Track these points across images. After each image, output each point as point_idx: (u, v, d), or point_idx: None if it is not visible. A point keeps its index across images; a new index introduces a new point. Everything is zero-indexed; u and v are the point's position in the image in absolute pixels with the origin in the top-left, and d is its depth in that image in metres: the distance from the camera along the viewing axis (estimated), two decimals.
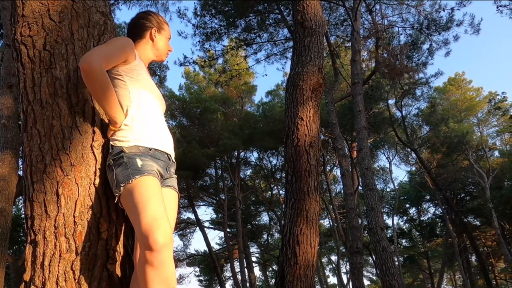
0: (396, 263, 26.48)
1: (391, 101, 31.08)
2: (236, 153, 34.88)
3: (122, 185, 2.59)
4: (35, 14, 2.92)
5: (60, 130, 2.74)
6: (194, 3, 35.67)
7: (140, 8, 20.64)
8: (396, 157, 41.78)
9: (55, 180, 2.65)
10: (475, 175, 37.67)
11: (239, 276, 33.99)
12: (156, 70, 24.48)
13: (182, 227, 40.69)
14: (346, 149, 24.72)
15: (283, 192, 25.77)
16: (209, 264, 40.63)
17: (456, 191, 41.08)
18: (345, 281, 41.61)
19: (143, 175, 2.59)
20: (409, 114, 36.20)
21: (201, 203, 39.89)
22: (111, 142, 2.82)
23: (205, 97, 32.78)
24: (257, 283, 42.61)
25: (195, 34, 22.89)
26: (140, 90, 2.92)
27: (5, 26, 10.20)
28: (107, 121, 2.89)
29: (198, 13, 22.73)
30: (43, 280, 2.52)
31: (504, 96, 27.04)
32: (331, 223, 37.65)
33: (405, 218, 47.86)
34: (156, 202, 2.49)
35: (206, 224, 39.26)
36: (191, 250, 49.96)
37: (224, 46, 24.08)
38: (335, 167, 37.22)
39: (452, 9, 21.70)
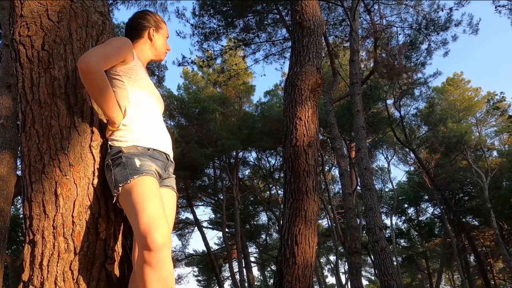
0: (395, 263, 26.49)
1: (389, 101, 31.19)
2: (234, 153, 34.87)
3: (120, 185, 2.59)
4: (33, 14, 2.91)
5: (59, 130, 2.74)
6: (193, 3, 35.71)
7: (138, 8, 20.64)
8: (394, 157, 41.81)
9: (54, 180, 2.66)
10: (474, 175, 37.65)
11: (237, 276, 33.95)
12: (155, 70, 24.50)
13: (181, 227, 40.68)
14: (344, 149, 24.75)
15: (282, 192, 25.77)
16: (207, 264, 40.61)
17: (454, 191, 41.05)
18: (343, 281, 41.62)
19: (142, 175, 2.59)
20: (408, 114, 36.26)
21: (200, 203, 39.91)
22: (109, 142, 2.82)
23: (203, 97, 32.78)
24: (255, 283, 42.67)
25: (193, 34, 22.91)
26: (139, 90, 2.92)
27: (4, 26, 10.19)
28: (105, 121, 2.90)
29: (197, 13, 22.74)
30: (42, 280, 2.52)
31: (502, 96, 27.07)
32: (329, 223, 37.64)
33: (403, 218, 47.85)
34: (155, 202, 2.49)
35: (205, 224, 39.27)
36: (190, 250, 50.17)
37: (222, 46, 24.13)
38: (334, 167, 37.21)
39: (450, 9, 21.73)
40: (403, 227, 48.60)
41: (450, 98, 41.65)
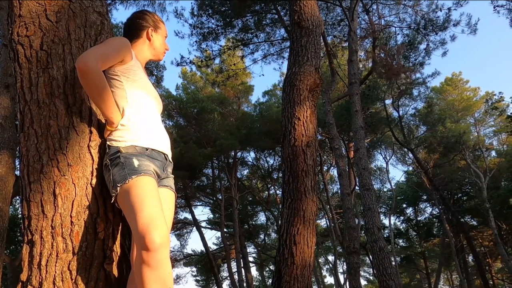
0: (393, 263, 26.52)
1: (388, 101, 31.20)
2: (233, 153, 34.89)
3: (119, 185, 2.59)
4: (32, 14, 2.91)
5: (57, 130, 2.74)
6: (191, 3, 35.61)
7: (137, 8, 20.65)
8: (393, 157, 41.88)
9: (52, 180, 2.65)
10: (472, 175, 37.68)
11: (236, 276, 33.97)
12: (153, 70, 24.50)
13: (179, 227, 40.69)
14: (343, 149, 24.73)
15: (280, 192, 25.78)
16: (206, 264, 40.68)
17: (453, 191, 41.10)
18: (342, 281, 41.63)
19: (140, 175, 2.59)
20: (406, 114, 36.35)
21: (198, 203, 39.92)
22: (108, 142, 2.82)
23: (202, 97, 32.80)
24: (254, 283, 42.63)
25: (192, 34, 22.92)
26: (137, 90, 2.92)
27: (2, 26, 10.18)
28: (104, 121, 2.89)
29: (195, 13, 22.75)
30: (40, 280, 2.52)
31: (501, 96, 27.14)
32: (328, 223, 37.67)
33: (402, 218, 47.91)
34: (153, 202, 2.49)
35: (203, 224, 39.30)
36: (188, 250, 50.23)
37: (221, 46, 24.14)
38: (332, 167, 37.27)
39: (449, 9, 21.77)
40: (401, 227, 48.67)
41: (448, 98, 41.70)
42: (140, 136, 2.80)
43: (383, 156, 41.43)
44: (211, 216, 41.98)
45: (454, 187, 40.05)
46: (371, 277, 54.43)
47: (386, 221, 43.26)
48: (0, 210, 8.91)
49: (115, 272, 2.70)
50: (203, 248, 35.42)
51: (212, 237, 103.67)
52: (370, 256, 21.34)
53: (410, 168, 43.32)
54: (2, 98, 9.74)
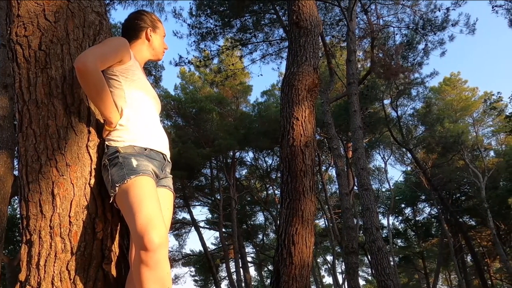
0: (392, 263, 26.51)
1: (386, 101, 31.21)
2: (231, 153, 34.89)
3: (117, 185, 2.59)
4: (30, 14, 2.91)
5: (56, 130, 2.74)
6: (190, 3, 35.73)
7: (135, 8, 20.64)
8: (391, 157, 41.84)
9: (51, 180, 2.65)
10: (471, 175, 37.68)
11: (234, 276, 34.00)
12: (152, 70, 24.49)
13: (178, 227, 40.70)
14: (341, 149, 24.72)
15: (279, 192, 25.77)
16: (204, 264, 40.69)
17: (451, 191, 41.11)
18: (340, 281, 41.59)
19: (138, 175, 2.59)
20: (405, 114, 36.33)
21: (197, 203, 39.95)
22: (106, 142, 2.82)
23: (200, 97, 32.83)
24: (252, 283, 42.62)
25: (190, 34, 22.94)
26: (135, 90, 2.92)
27: (1, 26, 10.16)
28: (102, 121, 2.89)
29: (194, 13, 22.75)
30: (39, 280, 2.52)
31: (499, 96, 27.24)
32: (326, 223, 37.63)
33: (400, 218, 47.90)
34: (151, 202, 2.49)
35: (202, 224, 39.28)
36: (187, 250, 50.08)
37: (219, 46, 24.16)
38: (331, 167, 37.29)
39: (447, 9, 21.79)
40: (400, 227, 48.65)
41: (447, 98, 41.68)
42: (139, 136, 2.80)
43: (382, 156, 41.46)
44: (210, 216, 41.99)
45: (452, 187, 40.06)
46: (370, 277, 54.41)
47: (384, 221, 43.24)
48: None
49: (113, 272, 2.71)
50: (201, 248, 35.52)
51: (211, 237, 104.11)
52: (369, 256, 21.39)
53: (409, 168, 43.32)
54: (0, 98, 9.73)
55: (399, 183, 46.59)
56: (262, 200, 40.04)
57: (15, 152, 9.73)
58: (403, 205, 46.80)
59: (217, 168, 36.34)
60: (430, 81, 31.53)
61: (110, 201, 2.68)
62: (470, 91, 42.03)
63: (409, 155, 37.09)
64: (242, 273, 33.27)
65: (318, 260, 49.34)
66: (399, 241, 48.81)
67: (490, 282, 41.47)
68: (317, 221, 43.05)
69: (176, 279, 44.87)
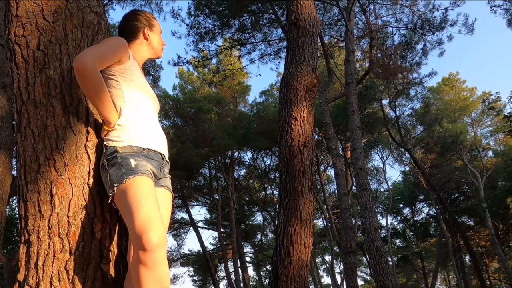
0: (390, 263, 26.53)
1: (385, 101, 31.19)
2: (230, 153, 34.89)
3: (115, 185, 2.59)
4: (29, 14, 2.91)
5: (54, 130, 2.74)
6: (188, 3, 35.73)
7: (134, 8, 20.63)
8: (390, 157, 41.80)
9: (49, 180, 2.66)
10: (469, 175, 37.72)
11: (233, 276, 34.05)
12: (150, 70, 24.50)
13: (176, 227, 40.72)
14: (340, 149, 24.74)
15: (277, 192, 25.77)
16: (203, 264, 40.61)
17: (450, 191, 41.11)
18: (339, 281, 41.64)
19: (137, 175, 2.59)
20: (403, 114, 36.27)
21: (195, 203, 40.00)
22: (105, 142, 2.82)
23: (199, 97, 32.80)
24: (251, 283, 42.62)
25: (189, 34, 22.92)
26: (134, 90, 2.92)
27: None
28: (101, 121, 2.89)
29: (192, 13, 22.76)
30: (37, 280, 2.52)
31: (498, 96, 27.24)
32: (325, 223, 37.59)
33: (399, 218, 47.88)
34: (150, 202, 2.49)
35: (200, 224, 39.36)
36: (185, 250, 50.03)
37: (218, 46, 24.14)
38: (329, 167, 37.26)
39: (446, 9, 21.81)
40: (398, 227, 48.65)
41: (445, 98, 41.73)
42: (137, 136, 2.81)
43: (380, 156, 41.41)
44: (208, 216, 42.09)
45: (451, 187, 40.06)
46: (368, 277, 54.40)
47: (383, 221, 43.17)
48: None
49: (112, 272, 2.71)
50: (200, 248, 35.47)
51: (209, 237, 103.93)
52: (367, 256, 21.35)
53: (407, 168, 43.33)
54: None
55: (398, 183, 46.59)
56: (261, 200, 40.05)
57: (14, 152, 9.73)
58: (401, 205, 46.79)
59: (215, 168, 36.34)
60: (429, 81, 31.51)
61: (109, 201, 2.69)
62: (469, 91, 42.07)
63: (407, 155, 37.09)
64: (240, 273, 33.30)
65: (317, 260, 49.30)
66: (397, 241, 48.83)
67: (488, 282, 41.44)
68: (315, 221, 43.06)
69: (174, 279, 44.95)
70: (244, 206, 42.78)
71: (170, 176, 3.09)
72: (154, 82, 25.65)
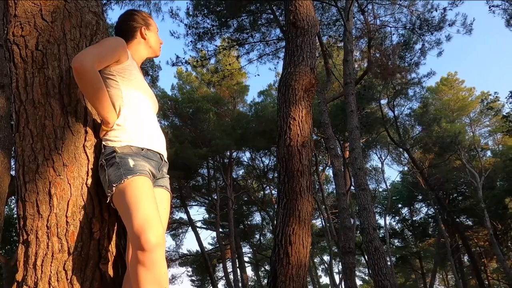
0: (389, 263, 26.52)
1: (383, 101, 31.26)
2: (228, 153, 34.90)
3: (114, 185, 2.59)
4: (27, 14, 2.91)
5: (53, 130, 2.74)
6: (187, 3, 35.65)
7: (132, 8, 20.62)
8: (388, 157, 41.78)
9: (48, 180, 2.66)
10: (468, 175, 37.70)
11: (231, 276, 33.99)
12: (149, 70, 24.46)
13: (175, 227, 40.66)
14: (338, 149, 24.76)
15: (276, 192, 25.76)
16: (201, 264, 40.63)
17: (448, 191, 41.12)
18: (337, 281, 41.61)
19: (135, 175, 2.59)
20: (402, 114, 36.27)
21: (194, 203, 39.94)
22: (103, 142, 2.82)
23: (197, 97, 32.81)
24: (249, 283, 42.64)
25: (187, 34, 22.92)
26: (133, 90, 2.92)
27: None
28: (99, 121, 2.90)
29: (191, 13, 22.76)
30: (36, 280, 2.52)
31: (496, 96, 27.26)
32: (323, 223, 37.56)
33: (397, 218, 47.85)
34: (148, 202, 2.49)
35: (199, 224, 39.27)
36: (184, 250, 49.94)
37: (216, 46, 24.14)
38: (328, 167, 37.22)
39: (444, 9, 21.77)
40: (397, 227, 48.63)
41: (444, 98, 41.73)
42: (136, 136, 2.80)
43: (379, 156, 41.40)
44: (207, 216, 42.00)
45: (449, 187, 40.07)
46: (367, 277, 54.34)
47: (381, 221, 43.27)
48: None
49: (110, 272, 2.71)
50: (198, 248, 35.43)
51: (208, 237, 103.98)
52: (366, 256, 21.34)
53: (406, 168, 43.31)
54: None
55: (396, 183, 46.66)
56: (259, 200, 40.04)
57: (12, 152, 9.73)
58: (400, 205, 46.79)
59: (214, 168, 36.38)
60: (427, 81, 31.59)
61: (107, 201, 2.69)
62: (467, 91, 42.07)
63: (406, 155, 37.14)
64: (239, 273, 33.32)
65: (315, 260, 49.33)
66: (396, 241, 48.78)
67: (487, 282, 41.43)
68: (314, 221, 43.05)
69: (173, 279, 44.84)
70: (242, 206, 42.73)
71: (168, 176, 3.09)
72: (153, 82, 25.62)
